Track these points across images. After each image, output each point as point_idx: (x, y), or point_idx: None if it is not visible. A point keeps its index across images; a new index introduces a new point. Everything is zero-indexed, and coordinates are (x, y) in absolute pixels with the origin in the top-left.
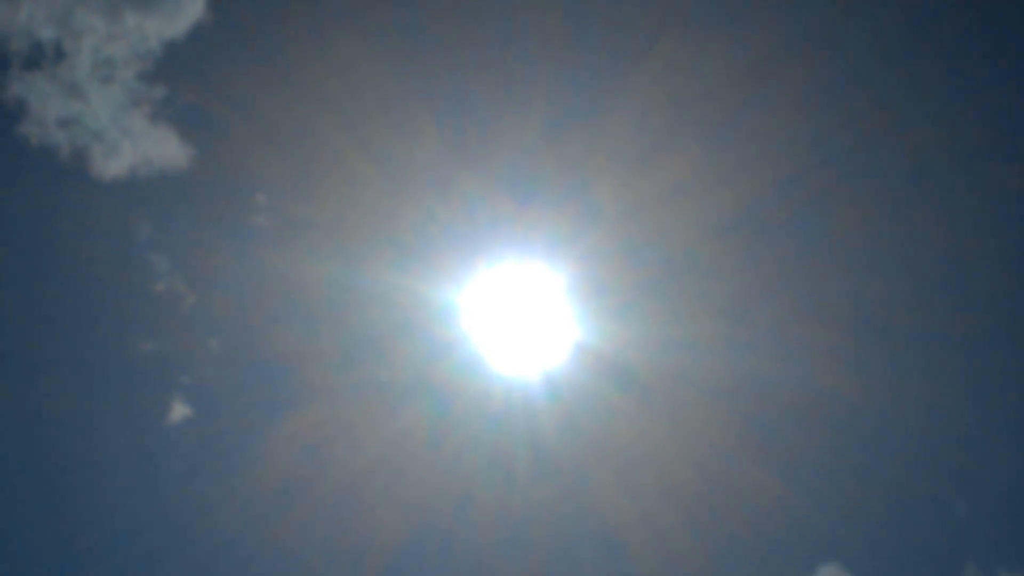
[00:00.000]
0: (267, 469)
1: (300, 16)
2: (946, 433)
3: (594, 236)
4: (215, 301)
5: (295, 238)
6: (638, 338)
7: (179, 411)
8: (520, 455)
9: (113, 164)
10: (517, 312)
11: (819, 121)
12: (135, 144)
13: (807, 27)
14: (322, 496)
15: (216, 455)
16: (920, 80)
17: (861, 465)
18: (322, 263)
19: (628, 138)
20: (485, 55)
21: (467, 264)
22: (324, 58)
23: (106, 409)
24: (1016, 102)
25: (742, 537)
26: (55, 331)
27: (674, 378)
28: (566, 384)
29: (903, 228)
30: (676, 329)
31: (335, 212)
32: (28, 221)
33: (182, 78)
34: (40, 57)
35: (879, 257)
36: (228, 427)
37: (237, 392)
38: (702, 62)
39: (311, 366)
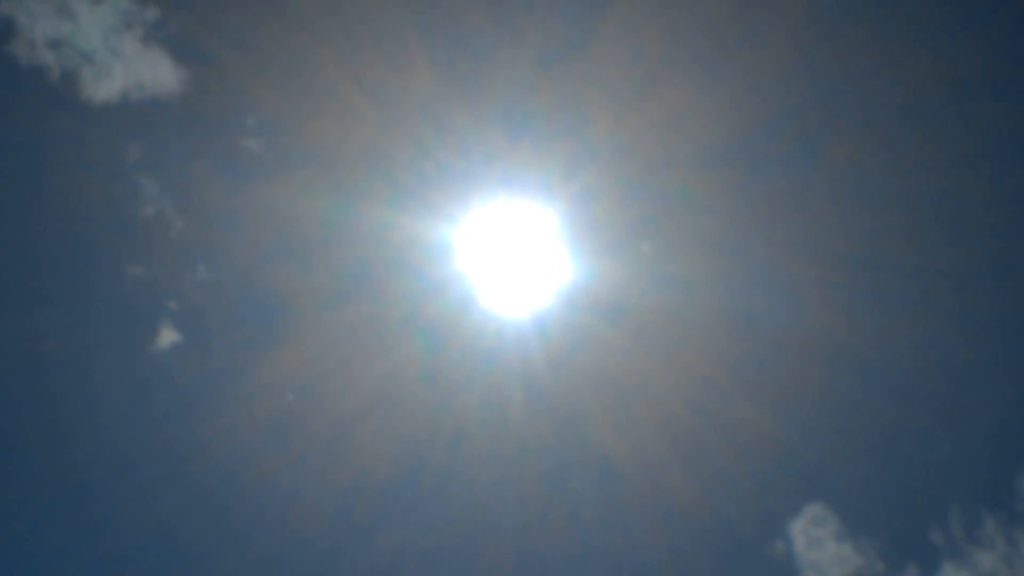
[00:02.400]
0: (256, 401)
1: None
2: (936, 372)
3: (588, 172)
4: (205, 228)
5: (287, 170)
6: (631, 275)
7: (167, 337)
8: (513, 392)
9: (104, 87)
10: (510, 249)
11: (814, 54)
12: (127, 67)
13: None
14: (313, 431)
15: (204, 384)
16: (918, 11)
17: (850, 404)
18: (315, 196)
19: (622, 73)
20: None
21: (461, 201)
22: None
23: (93, 333)
24: (1015, 35)
25: (732, 474)
26: (41, 253)
27: (667, 315)
28: (559, 321)
29: (898, 162)
30: (669, 266)
31: (328, 145)
32: (16, 142)
33: (176, 1)
34: None
35: (873, 192)
36: (217, 356)
37: (227, 321)
38: None
39: (302, 300)
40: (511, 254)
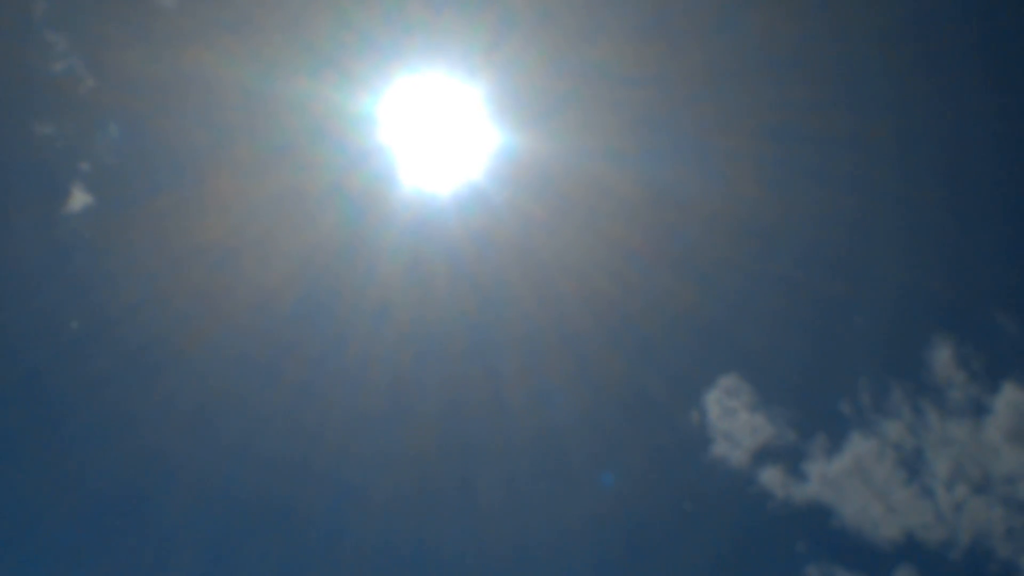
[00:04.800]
0: (173, 271)
1: None
2: (847, 244)
3: (511, 44)
4: (118, 87)
5: (204, 34)
6: (557, 149)
7: (79, 199)
8: (436, 266)
9: None
10: (433, 121)
11: None
12: None
13: None
14: (230, 301)
15: (119, 251)
16: None
17: (763, 276)
18: (232, 62)
19: None
20: None
21: (383, 71)
22: None
23: (1, 195)
24: None
25: (649, 345)
26: None
27: (588, 187)
28: (481, 194)
29: (822, 34)
30: (595, 139)
31: (247, 11)
32: None
33: None
34: None
35: (789, 63)
36: (132, 222)
37: (142, 185)
38: None
39: (220, 167)
40: (434, 126)
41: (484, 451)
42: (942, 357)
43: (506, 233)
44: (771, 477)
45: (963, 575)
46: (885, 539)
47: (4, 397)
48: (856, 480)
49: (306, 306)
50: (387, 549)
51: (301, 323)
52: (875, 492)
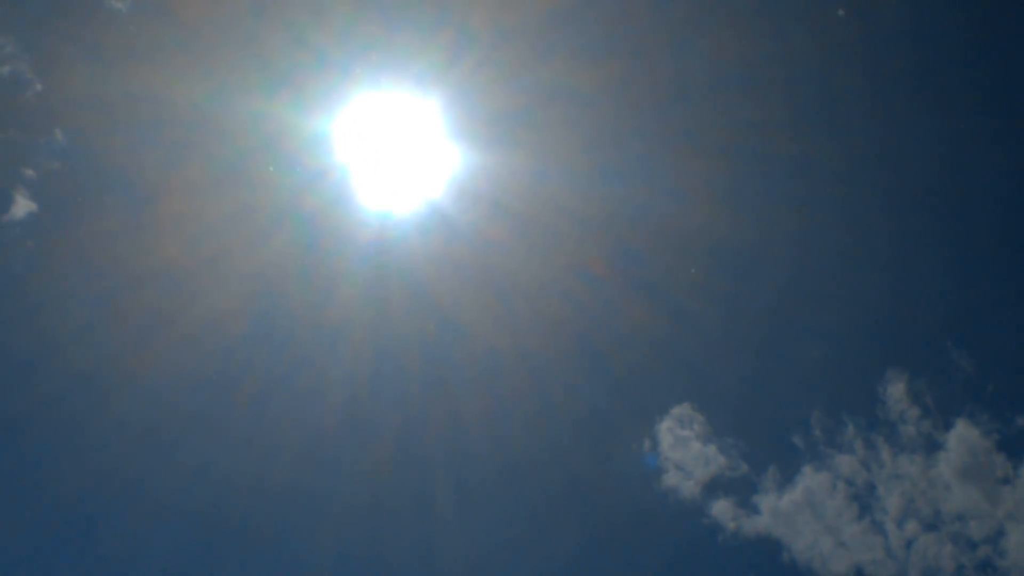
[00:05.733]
0: (120, 283)
1: None
2: (805, 277)
3: (468, 63)
4: (64, 93)
5: (158, 46)
6: (514, 167)
7: (22, 206)
8: (391, 286)
9: None
10: (390, 140)
11: None
12: None
13: None
14: (178, 323)
15: (62, 257)
16: None
17: (721, 305)
18: (186, 78)
19: None
20: None
21: (338, 91)
22: None
23: None
24: None
25: (603, 372)
26: None
27: (549, 207)
28: (437, 214)
29: (778, 54)
30: (553, 157)
31: (202, 27)
32: None
33: None
34: None
35: (752, 83)
36: (77, 233)
37: (88, 196)
38: None
39: (172, 184)
40: (390, 144)
41: (438, 471)
42: (895, 392)
43: (462, 251)
44: (722, 509)
45: None
46: (835, 574)
47: None
48: (807, 514)
49: (260, 324)
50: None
51: (255, 341)
52: (826, 526)
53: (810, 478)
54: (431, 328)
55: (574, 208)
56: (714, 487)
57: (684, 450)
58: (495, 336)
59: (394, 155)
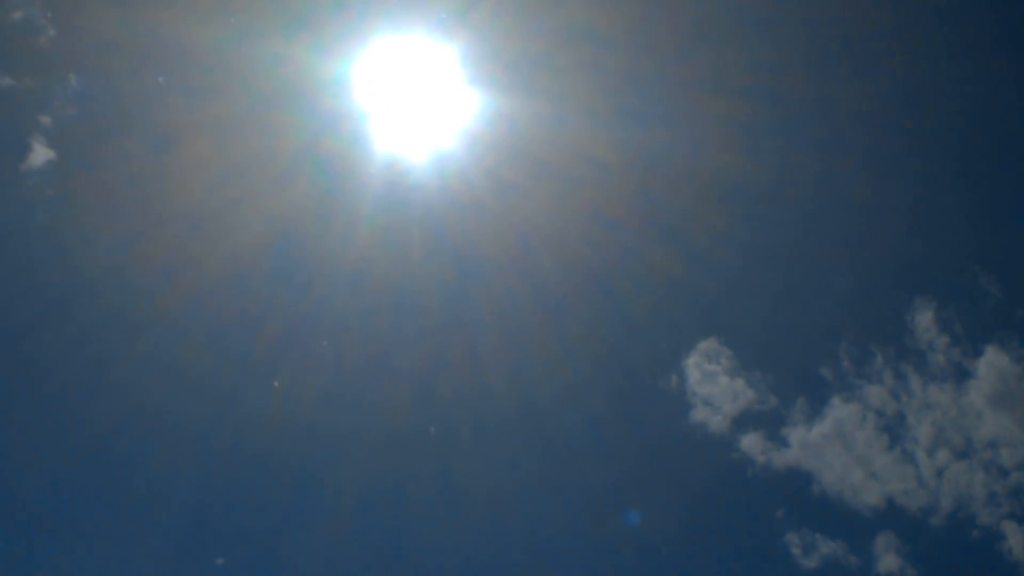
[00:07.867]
0: (139, 232)
1: None
2: (829, 208)
3: (488, 5)
4: (79, 39)
5: None
6: (534, 111)
7: (40, 153)
8: (410, 231)
9: None
10: (408, 85)
11: None
12: None
13: None
14: (196, 269)
15: (82, 209)
16: None
17: (744, 240)
18: (203, 22)
19: None
20: None
21: (358, 34)
22: None
23: None
24: None
25: (629, 310)
26: None
27: (569, 152)
28: (459, 158)
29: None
30: (573, 102)
31: None
32: None
33: None
34: None
35: (772, 23)
36: (94, 177)
37: (104, 141)
38: None
39: (189, 130)
40: (409, 89)
41: (463, 414)
42: (924, 320)
43: (481, 196)
44: (751, 443)
45: (944, 541)
46: (866, 505)
47: None
48: (837, 445)
49: (280, 266)
50: (361, 535)
51: (273, 288)
52: (856, 457)
53: (839, 409)
54: (451, 273)
55: (595, 151)
56: (743, 421)
57: (712, 385)
58: (516, 282)
59: (413, 99)
